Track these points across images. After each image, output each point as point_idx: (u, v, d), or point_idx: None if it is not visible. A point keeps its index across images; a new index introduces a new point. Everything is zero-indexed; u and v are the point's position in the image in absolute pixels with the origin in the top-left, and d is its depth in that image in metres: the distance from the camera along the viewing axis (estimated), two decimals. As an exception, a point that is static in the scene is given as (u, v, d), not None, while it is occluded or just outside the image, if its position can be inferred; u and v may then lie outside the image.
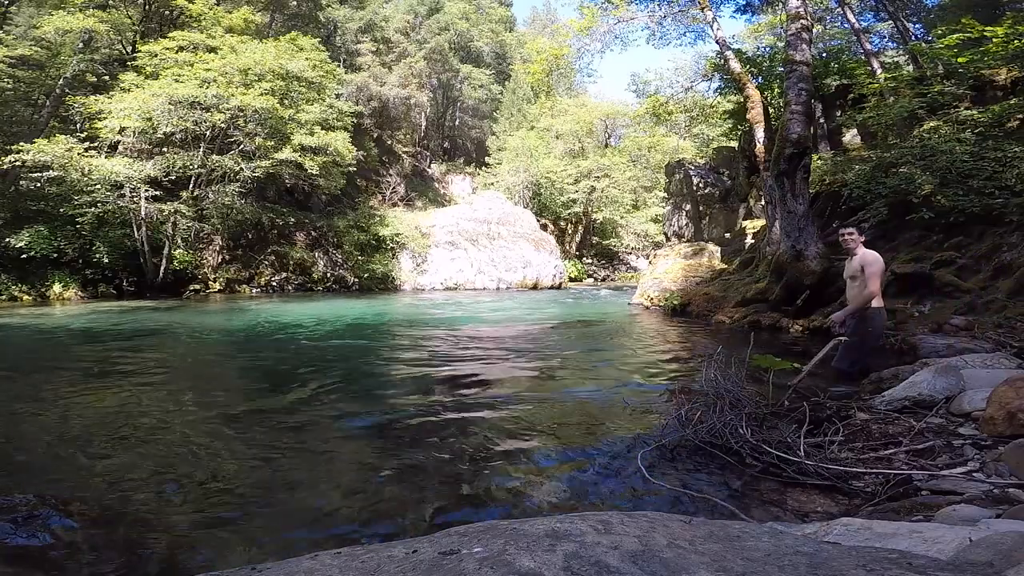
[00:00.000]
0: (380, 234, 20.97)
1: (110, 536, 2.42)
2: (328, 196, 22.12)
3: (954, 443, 2.97)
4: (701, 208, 17.17)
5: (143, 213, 15.10)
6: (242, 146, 16.53)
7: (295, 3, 25.04)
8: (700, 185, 17.16)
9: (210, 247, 17.86)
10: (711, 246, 14.19)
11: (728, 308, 9.95)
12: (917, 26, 15.37)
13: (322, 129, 17.93)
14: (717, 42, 12.91)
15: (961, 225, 8.09)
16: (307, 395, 4.98)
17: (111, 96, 15.20)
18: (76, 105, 15.27)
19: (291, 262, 19.04)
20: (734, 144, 17.73)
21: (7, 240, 13.60)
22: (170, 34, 16.98)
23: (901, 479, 2.62)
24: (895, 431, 3.29)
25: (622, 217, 34.28)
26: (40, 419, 4.13)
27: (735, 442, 3.09)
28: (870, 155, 10.39)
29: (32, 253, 13.76)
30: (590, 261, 33.39)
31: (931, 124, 10.01)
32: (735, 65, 12.45)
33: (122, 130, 15.17)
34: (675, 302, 11.60)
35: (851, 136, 14.23)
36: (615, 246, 35.12)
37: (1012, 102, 8.93)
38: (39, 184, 14.68)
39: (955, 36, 9.87)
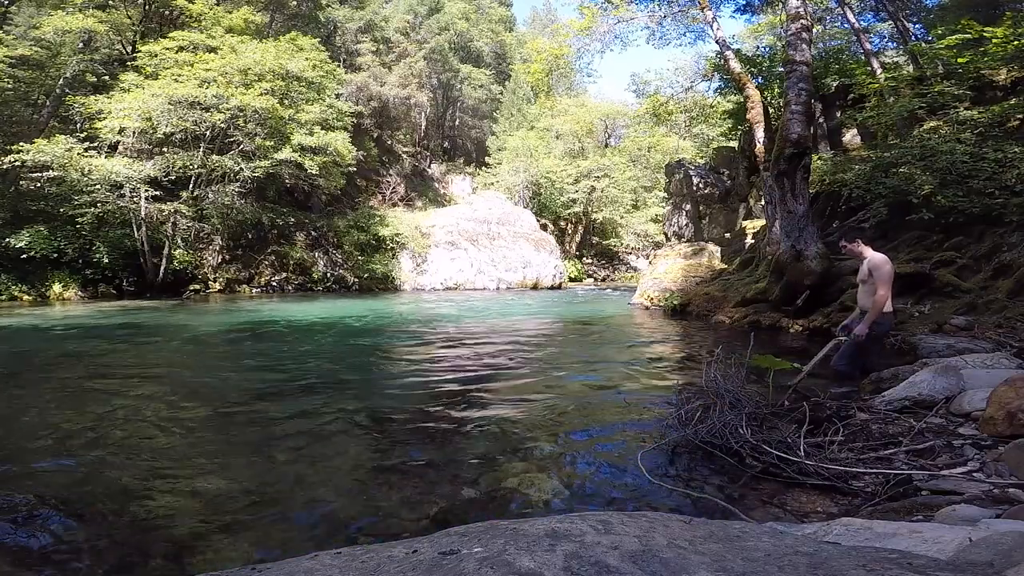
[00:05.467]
0: (380, 234, 20.96)
1: (110, 536, 2.42)
2: (328, 196, 22.11)
3: (954, 443, 2.97)
4: (701, 208, 17.17)
5: (143, 213, 15.09)
6: (242, 146, 16.52)
7: (295, 3, 25.01)
8: (700, 185, 17.17)
9: (210, 247, 17.85)
10: (711, 246, 14.19)
11: (728, 308, 9.95)
12: (917, 26, 15.36)
13: (322, 129, 17.91)
14: (717, 42, 12.92)
15: (961, 225, 8.09)
16: (307, 395, 4.98)
17: (111, 96, 15.18)
18: (76, 105, 15.25)
19: (291, 262, 19.03)
20: (734, 144, 17.74)
21: (7, 240, 13.58)
22: (170, 34, 16.95)
23: (901, 479, 2.62)
24: (895, 431, 3.29)
25: (622, 217, 34.27)
26: (40, 419, 4.13)
27: (735, 442, 3.09)
28: (870, 155, 10.39)
29: (32, 253, 13.74)
30: (590, 261, 33.38)
31: (931, 124, 10.02)
32: (735, 65, 12.45)
33: (122, 130, 15.15)
34: (675, 302, 11.60)
35: (851, 136, 14.24)
36: (615, 246, 35.11)
37: (1012, 102, 8.94)
38: (39, 184, 14.66)
39: (955, 37, 9.87)
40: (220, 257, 17.98)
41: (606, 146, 37.46)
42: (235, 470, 3.19)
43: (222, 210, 16.97)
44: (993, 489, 2.32)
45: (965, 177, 8.11)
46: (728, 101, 17.44)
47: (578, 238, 33.87)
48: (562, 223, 33.18)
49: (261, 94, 15.88)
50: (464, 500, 2.81)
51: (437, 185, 33.13)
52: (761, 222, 12.32)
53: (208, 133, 16.25)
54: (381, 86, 28.15)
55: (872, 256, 4.52)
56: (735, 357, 4.10)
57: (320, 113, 18.12)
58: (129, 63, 17.00)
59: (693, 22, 15.17)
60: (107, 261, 14.93)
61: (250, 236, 18.66)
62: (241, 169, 16.28)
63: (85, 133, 15.19)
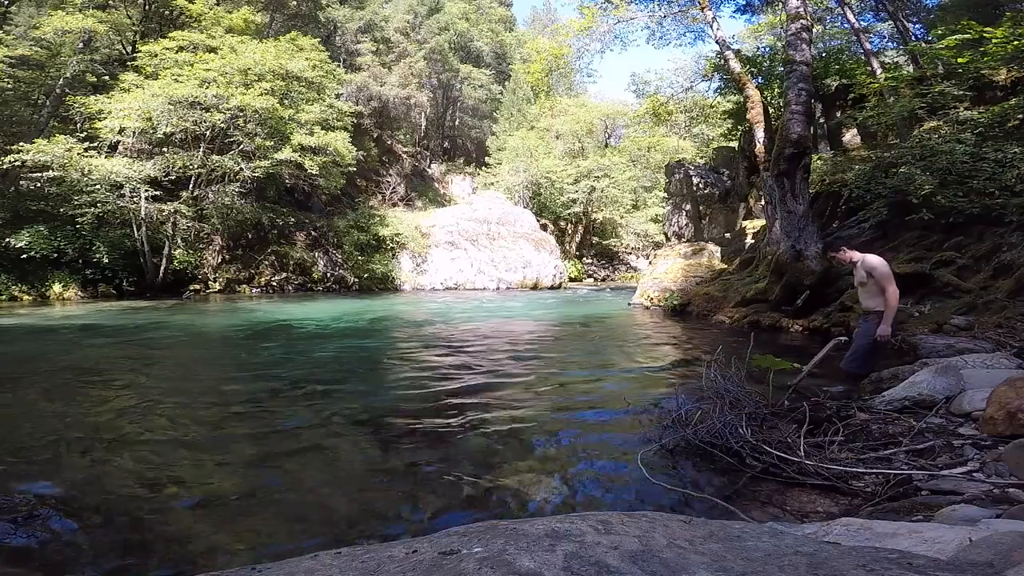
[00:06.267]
0: (380, 234, 20.97)
1: (110, 536, 2.42)
2: (328, 196, 22.11)
3: (954, 443, 2.97)
4: (701, 208, 17.16)
5: (143, 213, 15.09)
6: (242, 146, 16.52)
7: (295, 3, 25.03)
8: (700, 185, 17.16)
9: (210, 247, 17.85)
10: (711, 246, 14.18)
11: (728, 308, 9.95)
12: (917, 26, 15.37)
13: (322, 129, 17.92)
14: (717, 42, 12.92)
15: (961, 225, 8.09)
16: (307, 395, 4.98)
17: (111, 96, 15.19)
18: (76, 105, 15.25)
19: (291, 262, 19.03)
20: (734, 144, 17.73)
21: (7, 240, 13.58)
22: (170, 34, 16.97)
23: (901, 479, 2.62)
24: (895, 431, 3.29)
25: (622, 217, 34.29)
26: (40, 419, 4.13)
27: (735, 442, 3.09)
28: (870, 155, 10.39)
29: (32, 253, 13.74)
30: (590, 261, 33.40)
31: (931, 124, 10.02)
32: (735, 65, 12.45)
33: (122, 130, 15.16)
34: (675, 302, 11.60)
35: (851, 136, 14.24)
36: (615, 246, 35.13)
37: (1012, 102, 8.93)
38: (39, 184, 14.66)
39: (955, 37, 9.87)
40: (220, 257, 17.98)
41: (606, 146, 37.47)
42: (235, 470, 3.19)
43: (222, 210, 16.97)
44: (993, 489, 2.32)
45: (965, 177, 8.11)
46: (728, 101, 17.44)
47: (578, 238, 33.88)
48: (562, 223, 33.19)
49: (261, 94, 15.88)
50: (464, 500, 2.81)
51: (437, 185, 33.15)
52: (761, 222, 12.32)
53: (208, 133, 16.25)
54: (381, 86, 28.17)
55: (864, 258, 4.49)
56: (735, 357, 4.10)
57: (320, 113, 18.13)
58: (129, 63, 17.01)
59: (693, 22, 15.19)
60: (107, 261, 14.93)
61: (250, 236, 18.66)
62: (241, 169, 16.28)
63: (85, 133, 15.19)
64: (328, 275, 19.61)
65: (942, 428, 3.23)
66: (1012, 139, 8.48)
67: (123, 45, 19.22)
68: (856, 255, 4.57)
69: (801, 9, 9.26)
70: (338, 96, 21.17)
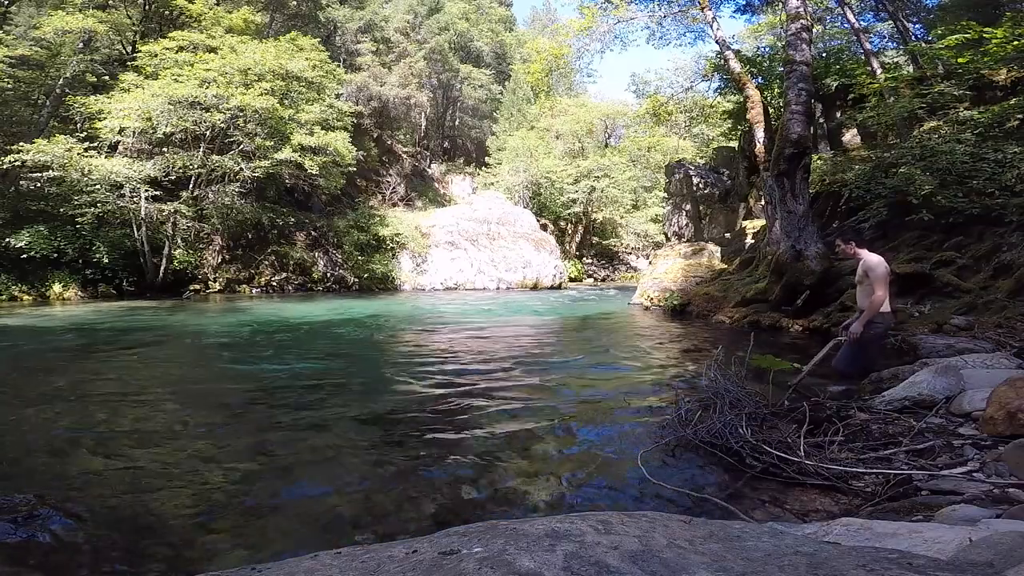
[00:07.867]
0: (380, 234, 20.96)
1: (110, 536, 2.42)
2: (328, 196, 22.11)
3: (954, 443, 2.97)
4: (701, 208, 17.16)
5: (143, 213, 15.08)
6: (242, 146, 16.51)
7: (295, 3, 25.02)
8: (700, 185, 17.16)
9: (210, 247, 17.84)
10: (711, 246, 14.18)
11: (728, 308, 9.95)
12: (917, 26, 15.37)
13: (322, 129, 17.91)
14: (717, 42, 12.92)
15: (961, 225, 8.09)
16: (306, 395, 4.98)
17: (111, 96, 15.18)
18: (76, 105, 15.24)
19: (291, 262, 19.02)
20: (734, 144, 17.74)
21: (7, 240, 13.57)
22: (170, 34, 16.95)
23: (901, 479, 2.62)
24: (895, 431, 3.29)
25: (622, 217, 34.28)
26: (40, 419, 4.13)
27: (735, 442, 3.09)
28: (870, 155, 10.40)
29: (32, 253, 13.73)
30: (590, 261, 33.39)
31: (931, 124, 10.02)
32: (735, 65, 12.46)
33: (122, 130, 15.14)
34: (675, 302, 11.60)
35: (851, 136, 14.23)
36: (615, 246, 35.12)
37: (1012, 102, 8.94)
38: (39, 184, 14.65)
39: (955, 37, 9.87)
40: (220, 257, 17.97)
41: (606, 146, 37.46)
42: (235, 470, 3.19)
43: (222, 210, 16.96)
44: (993, 489, 2.32)
45: (965, 177, 8.11)
46: (728, 101, 17.45)
47: (578, 238, 33.86)
48: (562, 223, 33.18)
49: (261, 94, 15.87)
50: (464, 500, 2.81)
51: (437, 185, 33.13)
52: (761, 222, 12.32)
53: (208, 133, 16.24)
54: (381, 86, 28.16)
55: (867, 258, 4.50)
56: (735, 357, 4.10)
57: (320, 113, 18.12)
58: (129, 63, 16.99)
59: (693, 22, 15.20)
60: (107, 261, 14.92)
61: (250, 236, 18.65)
62: (241, 169, 16.27)
63: (85, 133, 15.17)
64: (328, 275, 19.60)
65: (942, 428, 3.23)
66: (1012, 139, 8.49)
67: (123, 45, 19.21)
68: (863, 252, 4.58)
69: (801, 9, 9.26)
70: (338, 96, 21.16)
